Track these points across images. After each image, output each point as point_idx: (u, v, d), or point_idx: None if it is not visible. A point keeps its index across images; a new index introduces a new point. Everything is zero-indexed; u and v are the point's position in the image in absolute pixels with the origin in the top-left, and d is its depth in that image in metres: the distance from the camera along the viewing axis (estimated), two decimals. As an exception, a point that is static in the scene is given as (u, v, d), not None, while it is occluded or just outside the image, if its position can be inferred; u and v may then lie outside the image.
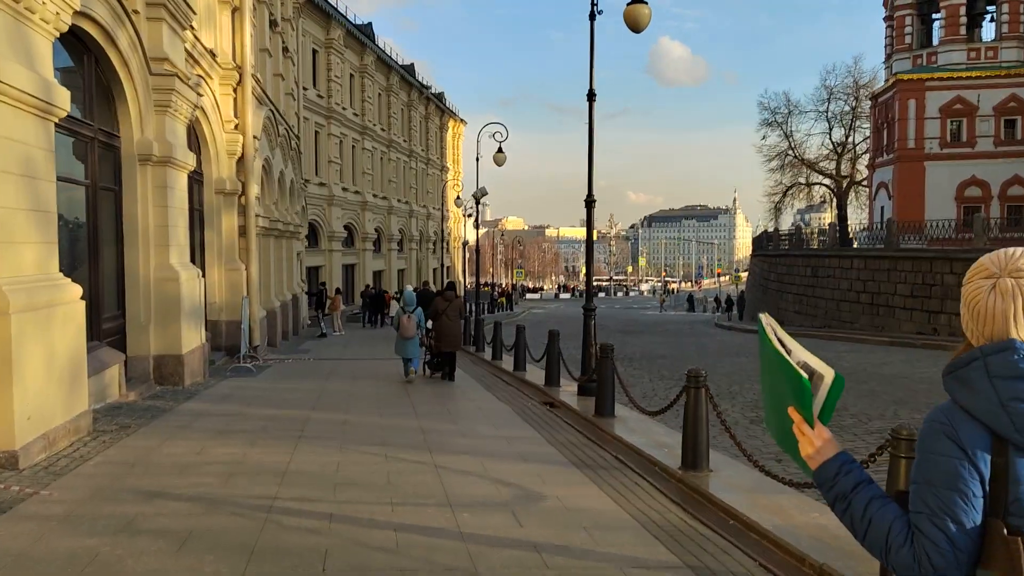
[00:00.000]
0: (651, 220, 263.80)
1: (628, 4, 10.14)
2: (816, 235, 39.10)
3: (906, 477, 3.62)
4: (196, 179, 15.69)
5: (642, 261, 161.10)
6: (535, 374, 13.97)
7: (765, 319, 1.88)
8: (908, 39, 43.20)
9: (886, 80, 45.31)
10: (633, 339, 31.36)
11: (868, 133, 54.87)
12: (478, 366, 17.06)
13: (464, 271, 47.01)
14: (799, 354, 1.80)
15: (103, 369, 9.59)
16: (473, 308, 22.83)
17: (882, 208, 45.92)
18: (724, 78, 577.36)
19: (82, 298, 7.83)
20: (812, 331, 31.01)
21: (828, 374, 1.76)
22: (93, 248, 10.16)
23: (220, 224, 16.51)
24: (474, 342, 20.39)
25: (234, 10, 17.18)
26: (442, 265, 60.19)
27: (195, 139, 15.58)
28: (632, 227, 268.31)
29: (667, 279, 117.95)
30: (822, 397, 1.76)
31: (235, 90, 16.99)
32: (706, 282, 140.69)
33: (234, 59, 16.93)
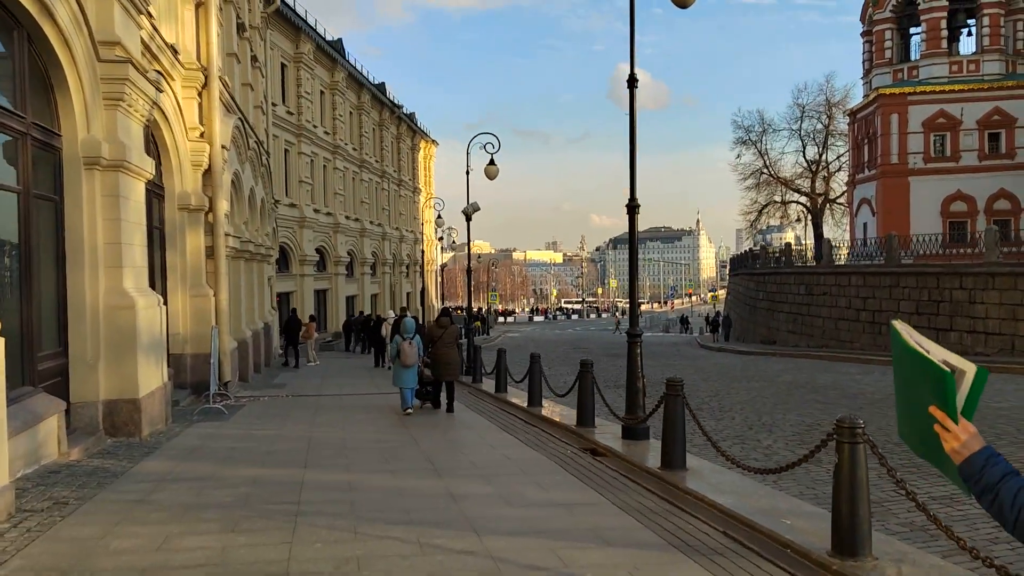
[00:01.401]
0: (616, 242, 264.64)
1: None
2: (801, 253, 37.89)
3: None
4: (156, 193, 13.72)
5: (613, 283, 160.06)
6: (553, 409, 12.16)
7: (899, 324, 1.94)
8: (888, 53, 42.64)
9: (865, 95, 44.69)
10: (621, 362, 29.67)
11: (841, 151, 54.45)
12: (480, 399, 15.20)
13: (440, 295, 45.13)
14: (938, 353, 1.86)
15: (36, 422, 7.57)
16: (465, 334, 20.90)
17: (865, 224, 45.11)
18: (684, 102, 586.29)
19: (1, 333, 5.86)
20: (811, 352, 29.68)
21: (970, 369, 1.84)
22: (25, 270, 8.17)
23: (184, 244, 14.51)
24: (471, 372, 18.50)
25: (198, 4, 15.31)
26: (416, 289, 58.16)
27: (154, 147, 13.62)
28: (598, 249, 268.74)
29: (617, 301, 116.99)
30: (965, 392, 1.83)
31: (200, 94, 15.07)
32: (676, 302, 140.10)
33: (199, 59, 15.03)
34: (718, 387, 19.09)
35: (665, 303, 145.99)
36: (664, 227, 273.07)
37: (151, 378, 10.26)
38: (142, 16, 10.77)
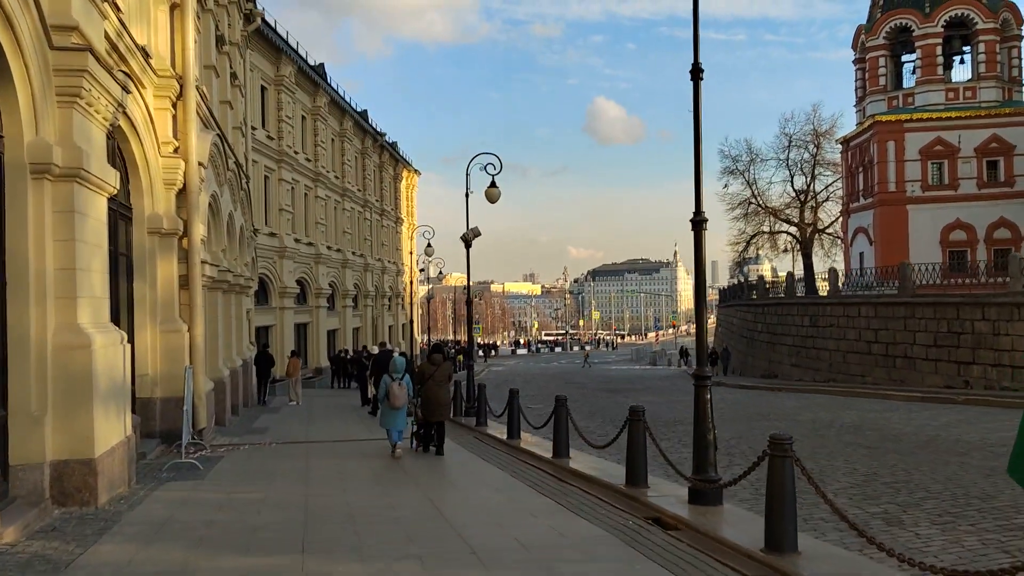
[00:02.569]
0: (595, 274, 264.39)
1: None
2: (789, 285, 36.58)
3: None
4: (123, 214, 12.01)
5: (596, 315, 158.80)
6: (587, 462, 10.48)
7: None
8: (882, 80, 42.01)
9: (859, 123, 43.99)
10: (622, 398, 28.08)
11: (829, 180, 53.71)
12: (491, 447, 13.49)
13: (428, 328, 43.39)
14: None
15: (-47, 500, 5.81)
16: (464, 369, 19.18)
17: (861, 254, 44.15)
18: (660, 137, 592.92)
19: None
20: (819, 386, 28.27)
21: None
22: (-53, 301, 6.45)
23: (155, 273, 12.74)
24: (472, 412, 16.78)
25: (173, 7, 13.73)
26: (399, 322, 56.28)
27: (121, 162, 11.93)
28: (576, 281, 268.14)
29: (583, 333, 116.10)
30: None
31: (175, 105, 13.41)
32: (652, 335, 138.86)
33: (173, 66, 13.40)
34: (740, 428, 17.49)
35: (645, 335, 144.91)
36: (642, 259, 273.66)
37: (111, 432, 8.47)
38: (107, 4, 9.17)
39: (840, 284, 36.63)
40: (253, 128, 28.80)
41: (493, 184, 18.39)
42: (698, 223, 7.55)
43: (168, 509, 8.02)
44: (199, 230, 14.00)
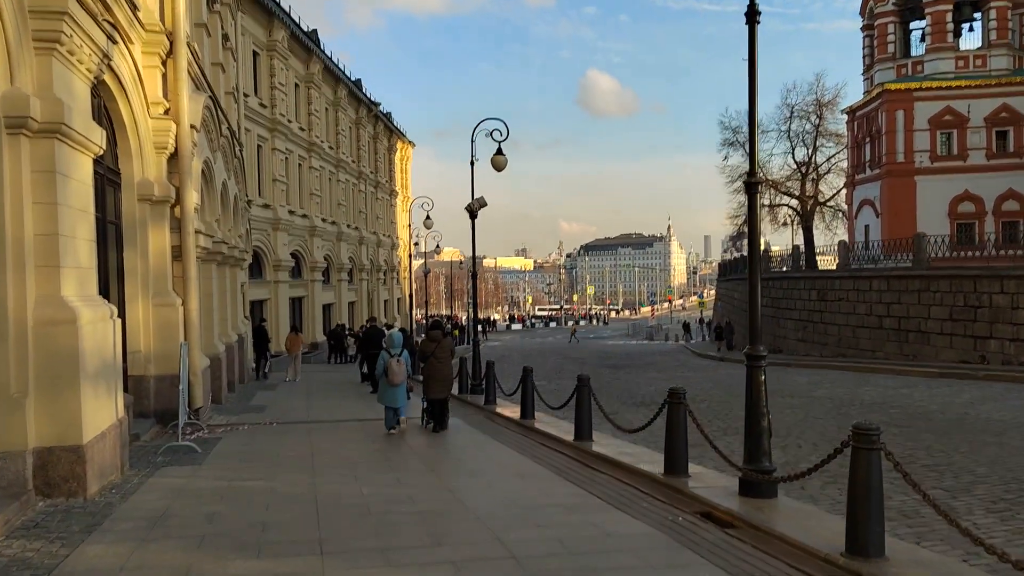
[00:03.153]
0: (588, 249, 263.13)
1: None
2: (796, 258, 35.85)
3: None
4: (111, 180, 11.15)
5: (591, 289, 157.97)
6: (611, 445, 9.78)
7: None
8: (891, 48, 41.04)
9: (866, 91, 43.06)
10: (624, 375, 27.42)
11: (831, 153, 52.78)
12: (504, 428, 12.79)
13: (426, 302, 42.71)
14: None
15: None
16: (473, 343, 18.44)
17: (867, 227, 43.44)
18: (653, 110, 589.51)
19: None
20: (828, 362, 27.67)
21: None
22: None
23: (146, 243, 11.90)
24: (479, 390, 16.08)
25: (162, -44, 12.75)
26: (394, 296, 55.48)
27: (108, 123, 11.04)
28: (569, 256, 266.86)
29: (576, 308, 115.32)
30: None
31: (164, 63, 12.48)
32: (645, 310, 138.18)
33: (162, 20, 12.45)
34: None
35: (637, 310, 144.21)
36: (635, 233, 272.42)
37: (101, 415, 7.71)
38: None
39: (849, 257, 36.02)
40: (245, 95, 27.75)
41: (500, 151, 17.52)
42: (752, 184, 6.77)
43: (165, 499, 7.28)
44: (192, 197, 13.15)
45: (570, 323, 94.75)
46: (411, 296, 53.07)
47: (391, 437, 11.74)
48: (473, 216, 17.86)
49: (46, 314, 7.03)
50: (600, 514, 6.56)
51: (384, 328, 21.70)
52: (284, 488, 7.81)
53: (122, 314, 11.43)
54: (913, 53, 41.31)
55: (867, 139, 42.70)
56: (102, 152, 8.46)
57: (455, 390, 16.54)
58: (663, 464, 7.77)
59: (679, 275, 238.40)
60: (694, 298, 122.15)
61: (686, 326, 60.30)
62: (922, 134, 39.03)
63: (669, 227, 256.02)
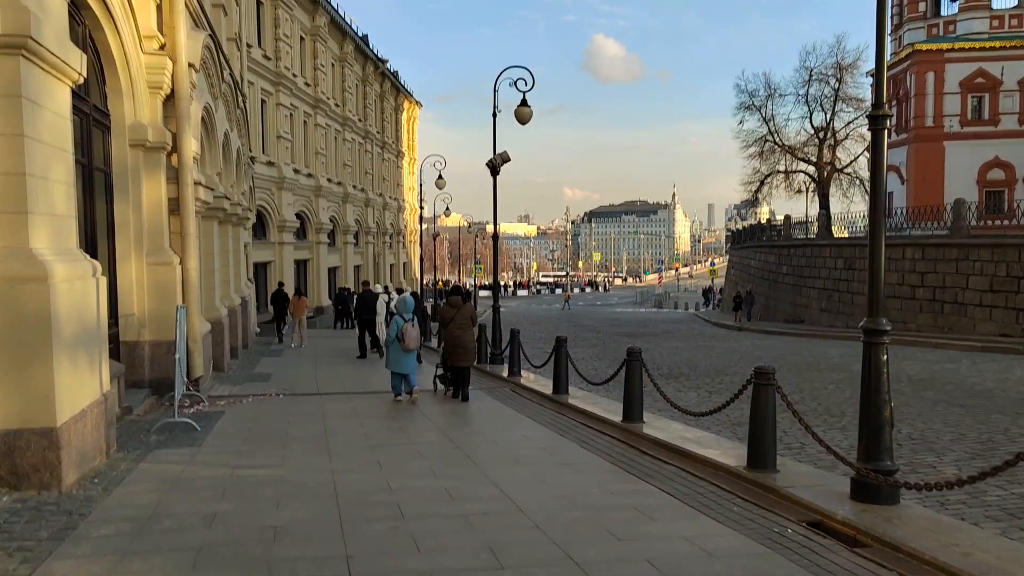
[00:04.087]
0: (592, 216, 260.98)
1: None
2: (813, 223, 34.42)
3: None
4: (99, 120, 9.84)
5: (597, 256, 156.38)
6: (668, 429, 8.59)
7: None
8: (922, 6, 39.23)
9: (895, 52, 41.28)
10: (644, 344, 26.22)
11: (850, 118, 50.93)
12: (531, 401, 11.62)
13: (434, 267, 41.58)
14: None
15: None
16: (494, 311, 17.19)
17: (891, 194, 41.89)
18: (659, 76, 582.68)
19: None
20: (854, 332, 26.38)
21: None
22: None
23: (140, 194, 10.63)
24: (500, 359, 14.90)
25: None
26: (399, 260, 54.24)
27: (95, 55, 9.70)
28: (573, 222, 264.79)
29: (569, 274, 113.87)
30: None
31: (159, -7, 11.12)
32: (649, 277, 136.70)
33: (156, -57, 11.05)
34: (798, 383, 15.55)
35: (641, 277, 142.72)
36: (640, 200, 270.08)
37: (80, 391, 6.51)
38: None
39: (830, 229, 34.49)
40: (248, 46, 26.23)
41: (524, 103, 16.16)
42: (880, 118, 5.48)
43: (155, 492, 6.11)
44: (191, 145, 11.84)
45: (559, 290, 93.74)
46: (421, 260, 51.72)
47: (412, 413, 10.62)
48: (495, 172, 16.52)
49: (11, 269, 5.80)
50: (686, 522, 5.37)
51: (379, 292, 20.49)
52: (296, 478, 6.64)
53: (113, 273, 10.23)
54: (944, 12, 39.50)
55: (894, 102, 41.03)
56: (82, 79, 7.14)
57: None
58: (739, 454, 6.58)
59: (683, 243, 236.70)
60: (702, 266, 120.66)
61: (707, 292, 58.84)
62: (952, 97, 37.42)
63: (674, 195, 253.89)
